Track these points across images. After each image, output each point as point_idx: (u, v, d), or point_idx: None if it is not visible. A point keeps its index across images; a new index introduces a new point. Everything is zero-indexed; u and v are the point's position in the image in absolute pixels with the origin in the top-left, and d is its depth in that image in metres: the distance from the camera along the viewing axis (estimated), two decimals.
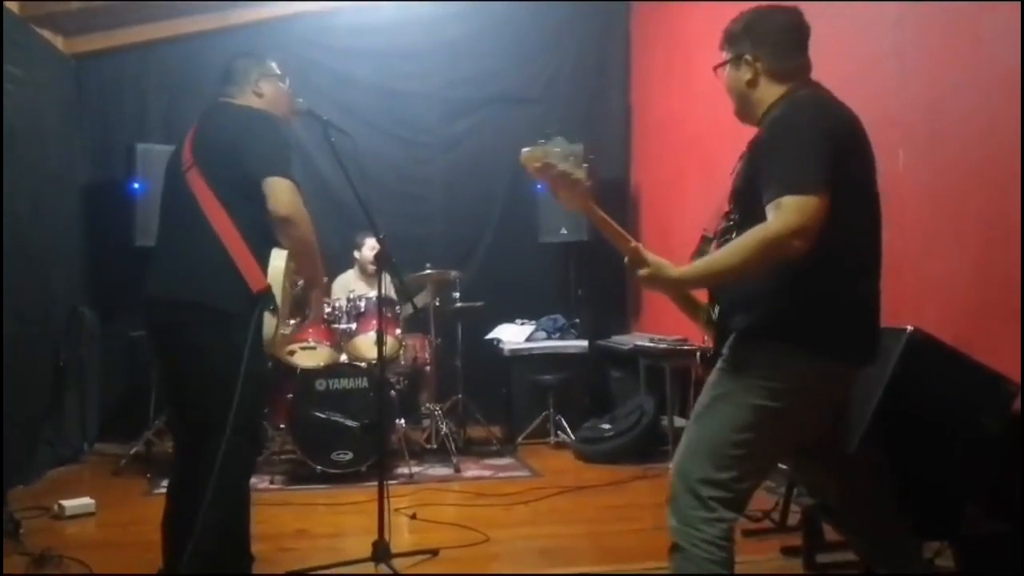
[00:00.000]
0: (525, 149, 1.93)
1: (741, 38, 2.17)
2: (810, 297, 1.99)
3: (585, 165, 1.95)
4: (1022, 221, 2.86)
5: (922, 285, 3.29)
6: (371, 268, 5.31)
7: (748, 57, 2.14)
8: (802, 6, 2.22)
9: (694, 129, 5.58)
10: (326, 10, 6.33)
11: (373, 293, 5.02)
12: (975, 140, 3.16)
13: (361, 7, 6.36)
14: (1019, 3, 2.90)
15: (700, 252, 2.20)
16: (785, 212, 1.87)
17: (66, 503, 4.00)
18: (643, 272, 1.96)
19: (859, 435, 2.57)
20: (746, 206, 2.04)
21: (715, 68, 2.24)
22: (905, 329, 2.70)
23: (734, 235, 2.06)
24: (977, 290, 3.16)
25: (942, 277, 3.29)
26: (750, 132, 2.32)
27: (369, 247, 5.38)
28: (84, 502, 4.06)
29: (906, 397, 2.65)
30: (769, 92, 2.13)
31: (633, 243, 1.97)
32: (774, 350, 2.01)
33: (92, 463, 5.25)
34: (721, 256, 1.98)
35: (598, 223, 2.01)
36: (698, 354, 2.32)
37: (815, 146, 1.93)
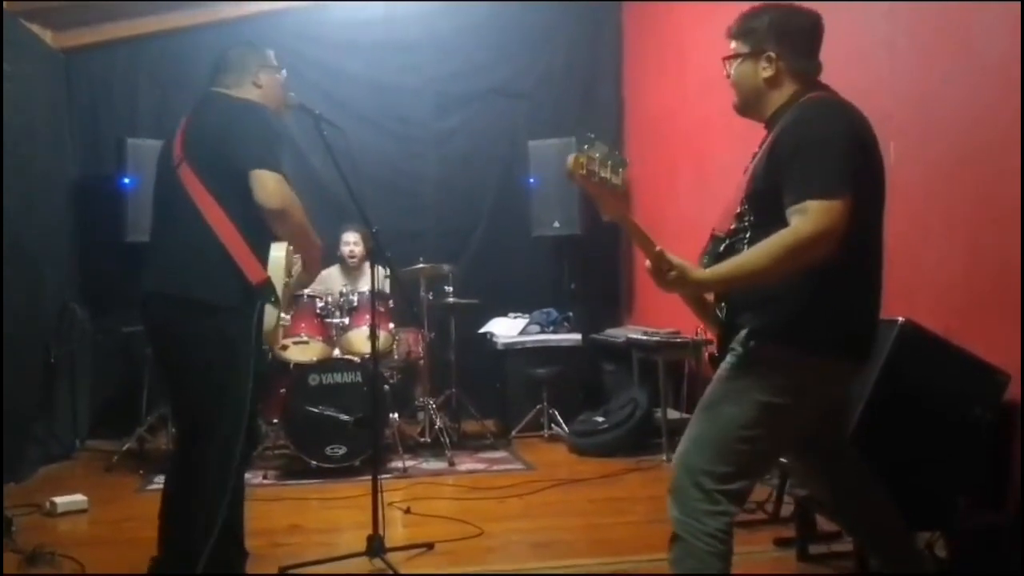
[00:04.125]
0: (570, 156, 1.85)
1: (764, 34, 2.13)
2: (817, 297, 2.00)
3: (621, 169, 1.89)
4: (1021, 213, 2.87)
5: (914, 277, 3.30)
6: (351, 262, 5.50)
7: (772, 54, 2.12)
8: None
9: (686, 124, 5.58)
10: (318, 4, 6.30)
11: (360, 288, 5.02)
12: (966, 132, 3.17)
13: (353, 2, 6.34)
14: None
15: (709, 253, 2.18)
16: (813, 215, 1.89)
17: (58, 500, 3.99)
18: (671, 275, 1.93)
19: (851, 427, 2.58)
20: (763, 208, 2.03)
21: (725, 59, 2.20)
22: (896, 320, 2.72)
23: (748, 235, 2.06)
24: (969, 281, 3.17)
25: (934, 268, 3.30)
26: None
27: (343, 242, 5.49)
28: (76, 499, 4.04)
29: (897, 388, 2.66)
30: (784, 92, 2.13)
31: (658, 248, 1.94)
32: (781, 348, 2.02)
33: (84, 460, 5.24)
34: (748, 259, 1.96)
35: (630, 230, 1.98)
36: (707, 356, 2.30)
37: (840, 151, 1.95)
